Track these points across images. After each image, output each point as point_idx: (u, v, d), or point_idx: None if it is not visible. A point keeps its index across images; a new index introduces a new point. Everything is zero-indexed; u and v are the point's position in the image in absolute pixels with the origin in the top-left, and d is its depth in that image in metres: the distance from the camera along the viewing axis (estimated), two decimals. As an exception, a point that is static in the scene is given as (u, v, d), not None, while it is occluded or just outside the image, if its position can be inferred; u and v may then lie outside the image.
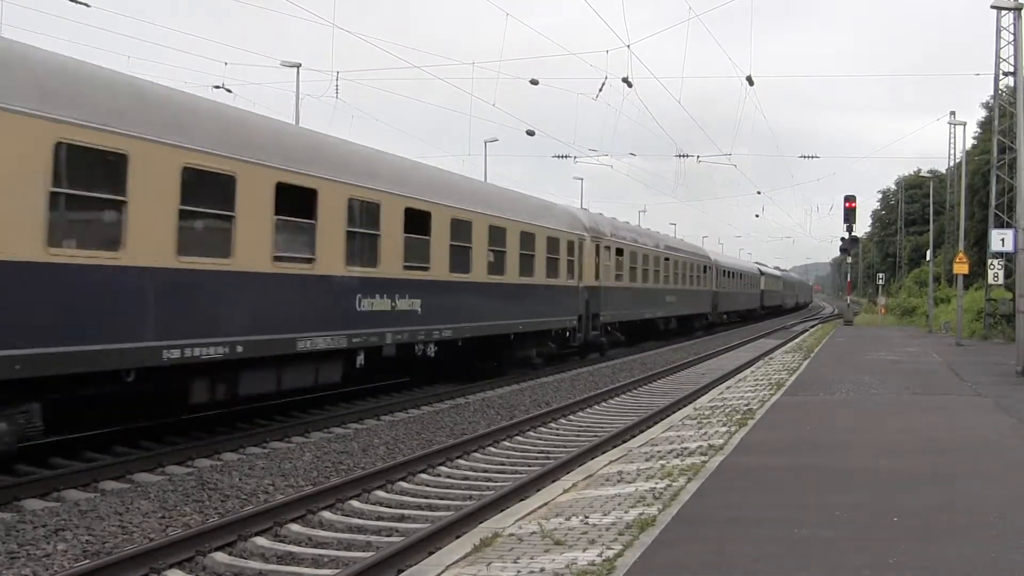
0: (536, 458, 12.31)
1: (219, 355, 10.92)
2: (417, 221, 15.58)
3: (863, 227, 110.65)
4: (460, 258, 17.19)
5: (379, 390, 17.37)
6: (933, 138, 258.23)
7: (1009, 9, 28.18)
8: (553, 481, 9.46)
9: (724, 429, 11.29)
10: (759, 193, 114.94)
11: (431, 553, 6.74)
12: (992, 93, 36.94)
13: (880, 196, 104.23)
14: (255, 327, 11.66)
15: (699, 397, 16.95)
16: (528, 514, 7.16)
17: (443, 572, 5.61)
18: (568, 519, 6.85)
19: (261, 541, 7.90)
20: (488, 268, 18.40)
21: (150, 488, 9.57)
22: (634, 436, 12.48)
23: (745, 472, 8.47)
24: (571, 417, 15.91)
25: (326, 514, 8.86)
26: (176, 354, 10.29)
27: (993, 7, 29.67)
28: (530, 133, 39.24)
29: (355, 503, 9.36)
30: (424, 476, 10.81)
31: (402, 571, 6.49)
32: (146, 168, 9.88)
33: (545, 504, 7.60)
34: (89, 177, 9.36)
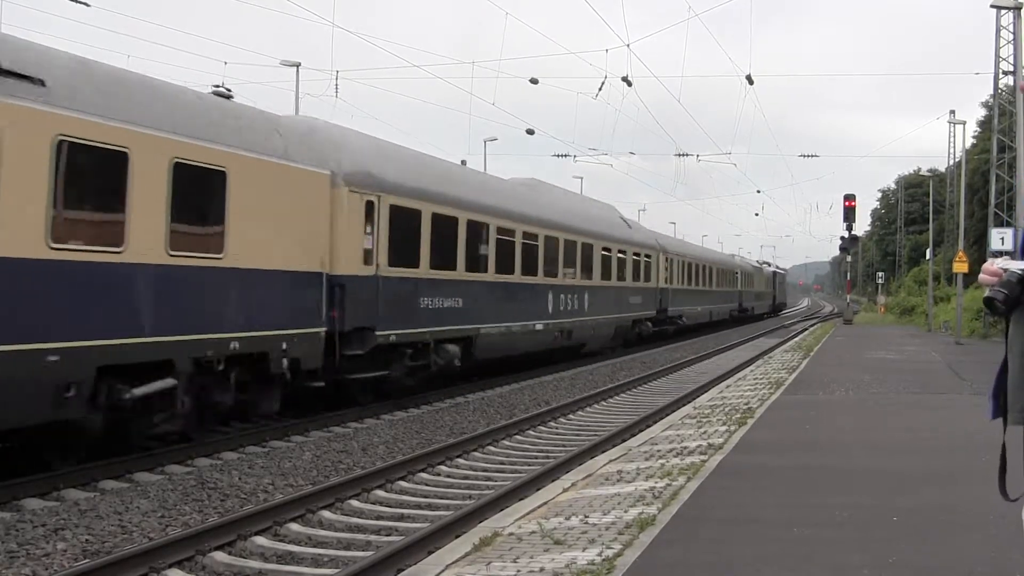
0: (536, 457, 12.31)
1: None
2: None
3: (863, 226, 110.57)
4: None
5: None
6: (933, 137, 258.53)
7: (1009, 8, 28.19)
8: (553, 480, 9.45)
9: (724, 428, 11.28)
10: (759, 192, 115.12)
11: (431, 552, 6.74)
12: (992, 92, 36.96)
13: (880, 195, 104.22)
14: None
15: (699, 396, 16.94)
16: (528, 513, 7.16)
17: (443, 571, 5.61)
18: (568, 518, 6.85)
19: (261, 540, 7.89)
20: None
21: (150, 487, 9.56)
22: (634, 435, 12.48)
23: (745, 471, 8.47)
24: (571, 416, 15.91)
25: (326, 513, 8.86)
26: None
27: (993, 6, 29.70)
28: (530, 132, 39.26)
29: (355, 502, 9.35)
30: (424, 475, 10.81)
31: (402, 570, 6.48)
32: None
33: (545, 503, 7.60)
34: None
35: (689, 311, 39.73)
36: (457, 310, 17.25)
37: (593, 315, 25.39)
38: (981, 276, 2.97)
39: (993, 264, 2.96)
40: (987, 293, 2.91)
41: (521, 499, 8.53)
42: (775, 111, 77.22)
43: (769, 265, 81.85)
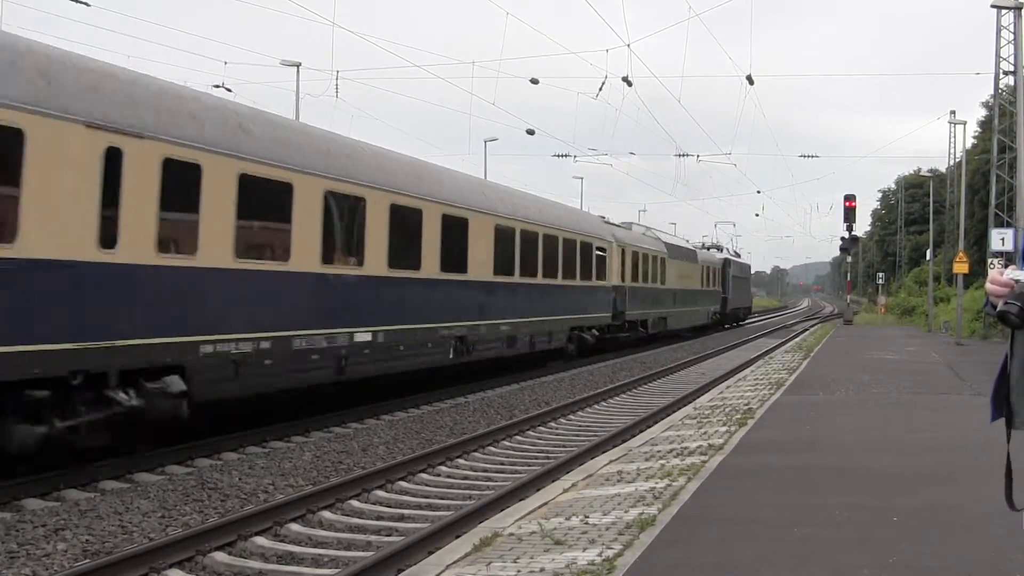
0: (536, 458, 12.31)
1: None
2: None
3: (863, 226, 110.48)
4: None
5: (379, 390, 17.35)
6: (933, 137, 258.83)
7: (1009, 8, 28.19)
8: (553, 481, 9.45)
9: (724, 428, 11.28)
10: (759, 192, 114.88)
11: (431, 553, 6.74)
12: (992, 92, 36.98)
13: (880, 195, 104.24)
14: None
15: (699, 396, 16.94)
16: (528, 514, 7.16)
17: (443, 572, 5.61)
18: (568, 519, 6.85)
19: (261, 541, 7.89)
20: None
21: (150, 488, 9.56)
22: (634, 436, 12.48)
23: (745, 472, 8.47)
24: (571, 416, 15.91)
25: (326, 514, 8.86)
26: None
27: (993, 6, 29.71)
28: (530, 132, 39.29)
29: (355, 503, 9.36)
30: (424, 475, 10.81)
31: (402, 571, 6.48)
32: None
33: (545, 504, 7.60)
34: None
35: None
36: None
37: None
38: (989, 287, 2.86)
39: (1002, 274, 2.86)
40: (1000, 307, 2.81)
41: (521, 499, 8.54)
42: (775, 111, 77.13)
43: (720, 250, 54.90)
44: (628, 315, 29.63)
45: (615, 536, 6.18)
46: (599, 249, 26.64)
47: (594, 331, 26.17)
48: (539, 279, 22.03)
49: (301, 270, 12.90)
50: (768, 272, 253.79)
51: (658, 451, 10.02)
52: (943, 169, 64.80)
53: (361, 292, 14.37)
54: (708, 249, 50.92)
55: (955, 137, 57.31)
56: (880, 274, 68.42)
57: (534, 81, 32.22)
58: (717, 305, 47.49)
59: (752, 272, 73.74)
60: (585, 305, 25.40)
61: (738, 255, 62.76)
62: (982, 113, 53.52)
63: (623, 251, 29.56)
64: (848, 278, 63.35)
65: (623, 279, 29.31)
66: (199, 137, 10.98)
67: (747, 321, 60.89)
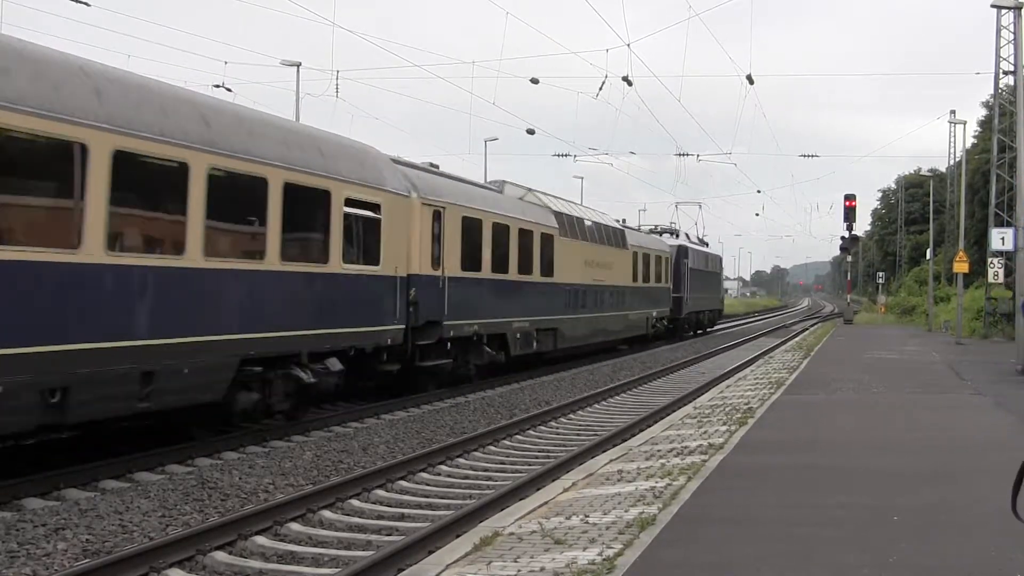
0: (536, 457, 12.31)
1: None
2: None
3: (863, 226, 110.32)
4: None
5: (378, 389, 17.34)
6: (933, 137, 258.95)
7: (1009, 8, 28.19)
8: (553, 480, 9.46)
9: (724, 428, 11.29)
10: (759, 192, 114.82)
11: (431, 552, 6.75)
12: (992, 92, 36.98)
13: (880, 195, 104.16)
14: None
15: (699, 396, 16.95)
16: (528, 513, 7.16)
17: (443, 571, 5.62)
18: (568, 518, 6.86)
19: (261, 540, 7.89)
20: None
21: (150, 487, 9.56)
22: (634, 435, 12.49)
23: (745, 471, 8.47)
24: (571, 416, 15.91)
25: (326, 513, 8.86)
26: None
27: (993, 6, 29.69)
28: (530, 132, 39.28)
29: (355, 502, 9.36)
30: (424, 475, 10.81)
31: (402, 570, 6.48)
32: None
33: (545, 503, 7.61)
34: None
35: None
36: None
37: None
38: None
39: None
40: None
41: (522, 499, 8.54)
42: (775, 111, 76.95)
43: (674, 235, 41.55)
44: (451, 326, 17.37)
45: (615, 535, 6.19)
46: (360, 206, 14.33)
47: (334, 360, 13.72)
48: (111, 256, 9.52)
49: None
50: (768, 271, 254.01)
51: (658, 450, 10.03)
52: (943, 169, 64.86)
53: None
54: (660, 233, 40.04)
55: (955, 137, 57.32)
56: (880, 273, 68.42)
57: (534, 81, 32.22)
58: (666, 308, 35.61)
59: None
60: (300, 311, 12.93)
61: (704, 242, 47.96)
62: (982, 113, 53.51)
63: (439, 215, 17.03)
64: (848, 278, 63.44)
65: (437, 265, 16.90)
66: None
67: (717, 328, 48.00)
